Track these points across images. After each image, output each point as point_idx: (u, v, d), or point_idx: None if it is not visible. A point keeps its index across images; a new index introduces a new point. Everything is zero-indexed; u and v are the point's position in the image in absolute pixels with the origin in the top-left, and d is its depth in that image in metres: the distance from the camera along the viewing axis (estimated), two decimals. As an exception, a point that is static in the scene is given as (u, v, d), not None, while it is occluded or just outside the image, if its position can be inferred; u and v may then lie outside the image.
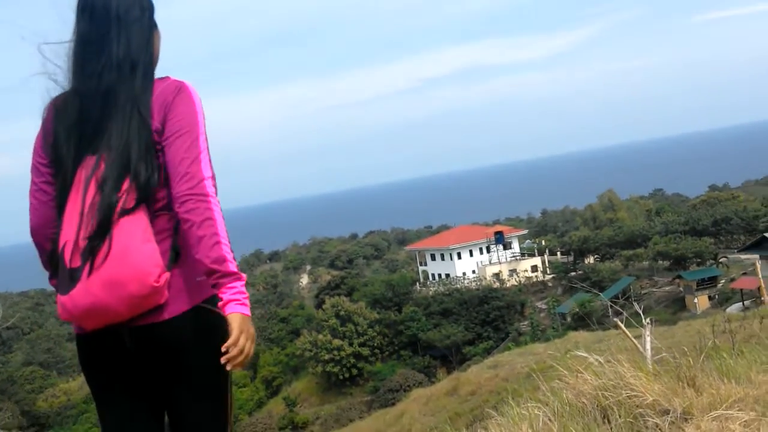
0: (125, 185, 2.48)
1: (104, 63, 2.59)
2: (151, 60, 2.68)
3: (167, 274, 2.50)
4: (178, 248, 2.57)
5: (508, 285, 69.48)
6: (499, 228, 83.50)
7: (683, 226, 70.07)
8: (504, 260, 76.30)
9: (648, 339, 6.81)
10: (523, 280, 71.57)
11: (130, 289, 2.42)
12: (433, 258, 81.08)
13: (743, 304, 48.57)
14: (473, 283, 70.16)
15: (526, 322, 61.20)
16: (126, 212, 2.46)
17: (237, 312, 2.49)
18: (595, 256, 73.63)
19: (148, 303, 2.47)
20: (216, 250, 2.48)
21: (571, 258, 74.38)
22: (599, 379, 4.67)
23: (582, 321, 50.15)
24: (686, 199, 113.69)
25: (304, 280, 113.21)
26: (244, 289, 2.54)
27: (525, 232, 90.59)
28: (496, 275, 72.27)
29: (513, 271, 73.68)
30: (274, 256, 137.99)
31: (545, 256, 76.75)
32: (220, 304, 2.51)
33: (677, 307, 56.75)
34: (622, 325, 7.43)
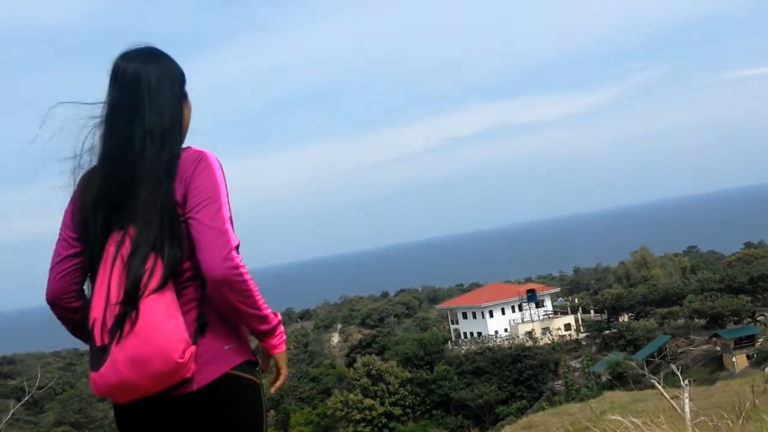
0: (150, 262, 2.47)
1: (134, 132, 2.57)
2: (180, 132, 2.67)
3: (192, 348, 2.48)
4: (204, 318, 2.56)
5: (541, 343, 68.77)
6: (531, 286, 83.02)
7: (719, 283, 69.15)
8: (536, 318, 75.64)
9: (686, 400, 6.74)
10: (556, 338, 70.82)
11: (154, 366, 2.42)
12: (464, 316, 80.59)
13: (782, 363, 47.62)
14: (506, 342, 69.57)
15: (560, 382, 60.37)
16: (152, 290, 2.45)
17: (281, 352, 2.72)
18: (629, 314, 72.78)
19: (174, 379, 2.46)
20: (260, 320, 2.59)
21: (604, 316, 73.56)
22: None
23: (617, 380, 49.43)
24: (721, 256, 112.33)
25: (335, 338, 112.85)
26: (282, 328, 2.72)
27: (557, 290, 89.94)
28: (529, 333, 71.60)
29: (546, 330, 72.95)
30: (305, 315, 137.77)
31: (578, 314, 76.00)
32: (266, 347, 2.69)
33: (714, 366, 55.72)
34: (659, 386, 7.38)
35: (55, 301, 2.67)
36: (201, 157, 2.60)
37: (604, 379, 56.74)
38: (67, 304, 2.66)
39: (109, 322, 2.44)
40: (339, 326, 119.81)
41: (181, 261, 2.53)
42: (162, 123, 2.59)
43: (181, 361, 2.42)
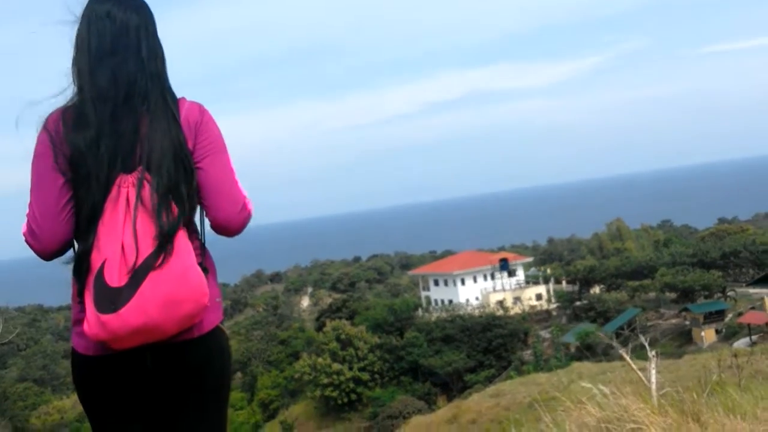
0: (174, 207, 2.49)
1: (135, 71, 2.55)
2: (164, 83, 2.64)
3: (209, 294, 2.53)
4: (206, 268, 2.56)
5: (511, 313, 69.16)
6: (504, 255, 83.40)
7: (691, 258, 69.84)
8: (508, 288, 76.06)
9: (654, 372, 6.51)
10: (527, 308, 71.27)
11: (186, 308, 2.43)
12: (436, 283, 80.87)
13: (750, 339, 48.21)
14: (476, 310, 69.91)
15: (529, 351, 60.81)
16: (175, 232, 2.46)
17: None
18: (601, 286, 73.41)
19: (194, 322, 2.49)
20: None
21: (576, 287, 74.11)
22: (603, 411, 4.57)
23: (586, 351, 49.78)
24: (695, 230, 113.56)
25: (305, 302, 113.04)
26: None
27: (530, 259, 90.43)
28: (500, 303, 71.98)
29: (517, 299, 73.39)
30: (275, 277, 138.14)
31: (550, 284, 76.52)
32: None
33: (683, 340, 56.35)
34: (627, 357, 7.11)
35: (59, 248, 2.57)
36: (204, 109, 2.63)
37: (573, 349, 57.18)
38: (65, 251, 2.59)
39: (131, 263, 2.38)
40: (309, 290, 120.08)
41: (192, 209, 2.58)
42: (157, 66, 2.60)
43: (208, 304, 2.48)
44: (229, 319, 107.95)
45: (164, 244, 2.43)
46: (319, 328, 70.13)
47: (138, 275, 2.39)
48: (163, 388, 2.57)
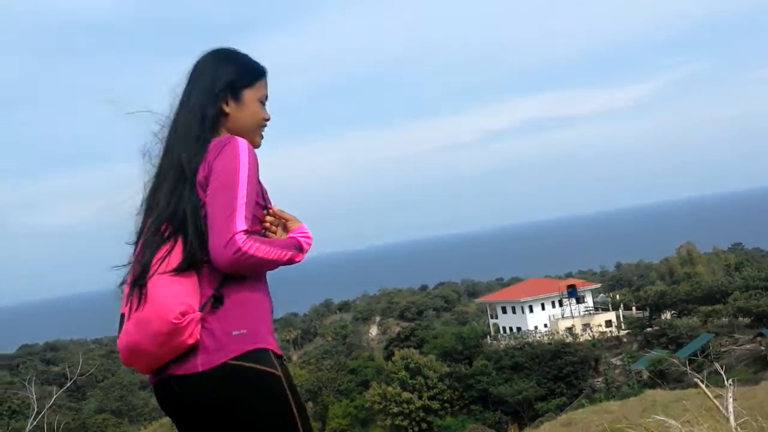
0: (166, 247, 2.65)
1: (173, 123, 2.82)
2: (205, 129, 2.76)
3: (196, 315, 2.56)
4: (222, 297, 2.62)
5: (581, 340, 68.17)
6: (571, 281, 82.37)
7: (764, 281, 68.07)
8: (577, 314, 75.03)
9: (731, 400, 6.54)
10: (596, 335, 70.16)
11: (153, 326, 2.54)
12: (504, 311, 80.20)
13: (829, 363, 46.76)
14: (545, 337, 69.07)
15: (600, 379, 59.79)
16: (163, 272, 2.61)
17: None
18: (672, 311, 71.91)
19: (174, 342, 2.54)
20: (287, 263, 2.69)
21: (646, 313, 72.75)
22: None
23: (659, 379, 48.84)
24: (767, 254, 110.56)
25: (374, 331, 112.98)
26: (308, 239, 2.78)
27: (598, 285, 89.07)
28: (569, 329, 71.02)
29: (586, 326, 72.34)
30: (343, 307, 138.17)
31: (620, 310, 75.24)
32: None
33: (759, 366, 54.82)
34: (702, 384, 7.17)
35: None
36: (228, 142, 2.70)
37: (645, 376, 56.07)
38: None
39: (126, 291, 2.69)
40: (377, 318, 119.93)
41: (201, 245, 2.64)
42: (190, 117, 2.77)
43: (176, 321, 2.51)
44: (299, 349, 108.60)
45: (139, 279, 2.63)
46: (388, 357, 70.00)
47: (128, 301, 2.67)
48: (196, 418, 2.66)
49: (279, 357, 2.67)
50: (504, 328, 78.23)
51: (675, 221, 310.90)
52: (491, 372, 61.86)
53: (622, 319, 73.09)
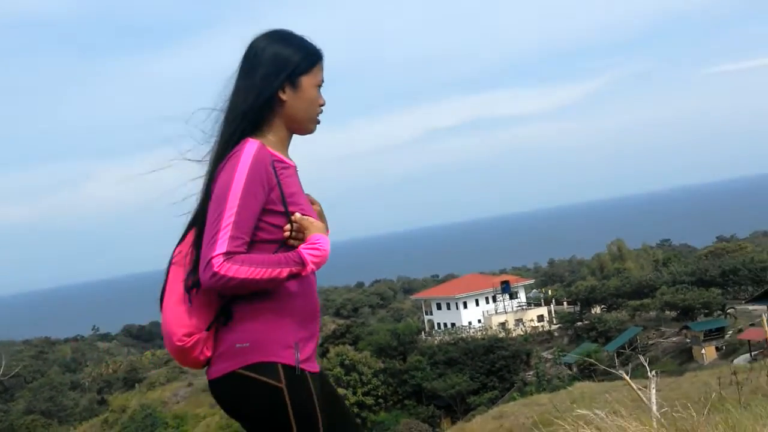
0: (185, 250, 2.75)
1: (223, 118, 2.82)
2: (246, 119, 2.73)
3: (201, 335, 2.66)
4: (230, 311, 2.66)
5: (514, 335, 69.08)
6: (505, 277, 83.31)
7: (691, 276, 69.82)
8: (510, 310, 75.95)
9: (653, 392, 6.68)
10: (529, 329, 71.17)
11: (167, 344, 2.73)
12: (439, 307, 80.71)
13: (751, 355, 48.16)
14: (479, 333, 69.78)
15: (531, 373, 60.68)
16: (167, 271, 2.76)
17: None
18: (602, 306, 73.30)
19: (189, 359, 2.70)
20: (284, 280, 2.63)
21: (577, 308, 74.03)
22: None
23: (588, 371, 49.69)
24: (694, 249, 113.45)
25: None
26: (317, 252, 2.68)
27: (532, 281, 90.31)
28: (502, 325, 71.88)
29: (519, 321, 73.31)
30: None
31: (552, 305, 76.41)
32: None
33: (684, 358, 56.26)
34: (626, 377, 7.31)
35: None
36: (235, 152, 2.67)
37: (575, 370, 57.08)
38: None
39: None
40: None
41: None
42: (235, 110, 2.74)
43: (179, 344, 2.65)
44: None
45: (164, 285, 2.77)
46: (323, 354, 69.88)
47: None
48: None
49: (292, 369, 2.65)
50: (439, 324, 78.75)
51: (607, 218, 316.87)
52: (425, 367, 62.26)
53: (553, 314, 74.26)
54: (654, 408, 6.16)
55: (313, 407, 2.66)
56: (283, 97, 2.76)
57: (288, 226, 2.70)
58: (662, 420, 5.38)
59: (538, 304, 77.82)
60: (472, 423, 37.11)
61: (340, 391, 60.51)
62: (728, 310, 62.22)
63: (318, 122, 2.87)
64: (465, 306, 77.62)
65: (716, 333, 56.55)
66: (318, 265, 2.68)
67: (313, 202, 2.94)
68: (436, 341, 69.11)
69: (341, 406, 2.96)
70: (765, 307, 53.20)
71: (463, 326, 73.46)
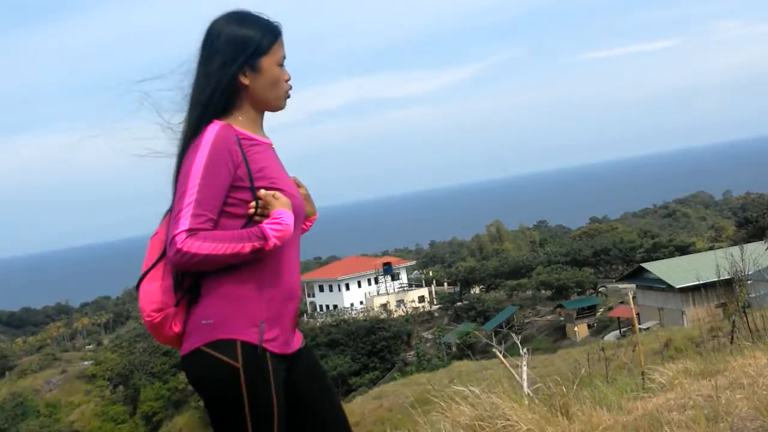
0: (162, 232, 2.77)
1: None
2: (209, 106, 2.71)
3: (170, 311, 2.69)
4: (197, 288, 2.68)
5: (395, 315, 69.82)
6: (387, 259, 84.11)
7: (565, 256, 72.11)
8: (392, 291, 76.70)
9: (524, 369, 6.86)
10: (410, 310, 72.05)
11: (143, 322, 2.80)
12: (321, 289, 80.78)
13: (620, 332, 50.17)
14: (361, 314, 70.20)
15: (412, 353, 61.54)
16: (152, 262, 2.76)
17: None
18: (481, 286, 74.90)
19: (161, 334, 2.74)
20: (249, 254, 2.60)
21: (457, 288, 75.39)
22: (476, 410, 4.64)
23: (467, 351, 50.75)
24: (568, 230, 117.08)
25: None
26: (278, 228, 2.62)
27: (413, 263, 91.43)
28: (384, 306, 72.54)
29: (400, 302, 74.12)
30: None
31: (432, 286, 77.57)
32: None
33: (558, 335, 58.15)
34: (501, 355, 7.47)
35: None
36: (201, 134, 2.68)
37: (454, 349, 58.18)
38: None
39: None
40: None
41: None
42: (196, 98, 2.74)
43: (148, 320, 2.71)
44: (110, 333, 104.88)
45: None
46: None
47: None
48: None
49: (253, 348, 2.62)
50: (321, 306, 78.84)
51: (486, 200, 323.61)
52: (307, 349, 62.22)
53: (434, 295, 75.44)
54: (525, 385, 6.31)
55: (268, 391, 2.64)
56: (245, 81, 2.74)
57: (253, 203, 2.69)
58: (533, 396, 5.49)
59: (420, 285, 78.90)
60: (352, 404, 37.32)
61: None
62: (600, 289, 64.69)
63: (287, 97, 2.85)
64: (347, 288, 77.95)
65: (588, 311, 58.68)
66: (281, 239, 2.63)
67: (298, 185, 2.92)
68: (318, 323, 69.16)
69: (323, 383, 2.91)
70: (634, 285, 55.53)
71: (345, 308, 73.77)
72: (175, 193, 2.68)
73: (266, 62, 2.76)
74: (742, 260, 9.10)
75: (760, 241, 35.81)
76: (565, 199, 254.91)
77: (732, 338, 7.59)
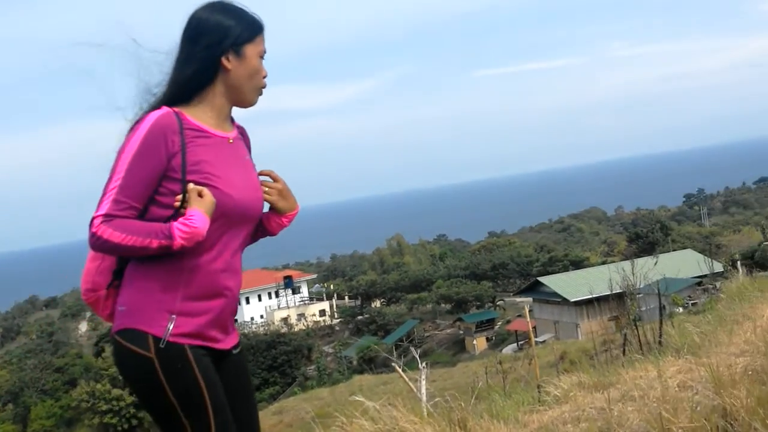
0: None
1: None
2: (187, 85, 2.71)
3: (100, 293, 2.74)
4: (122, 272, 2.70)
5: (296, 329, 69.43)
6: (288, 272, 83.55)
7: (464, 270, 73.10)
8: (293, 305, 76.26)
9: (423, 383, 6.93)
10: (311, 324, 71.77)
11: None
12: (220, 303, 79.66)
13: (518, 345, 51.13)
14: (261, 328, 69.55)
15: (313, 367, 61.28)
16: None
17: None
18: (382, 299, 75.20)
19: (96, 311, 2.80)
20: (157, 250, 2.57)
21: (358, 302, 75.48)
22: (375, 424, 4.64)
23: (368, 365, 50.85)
24: (468, 244, 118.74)
25: (84, 327, 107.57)
26: (186, 229, 2.58)
27: (314, 276, 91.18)
28: (285, 320, 72.06)
29: (301, 316, 73.79)
30: (51, 303, 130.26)
31: (333, 300, 77.47)
32: None
33: (457, 348, 58.82)
34: (400, 370, 7.52)
35: None
36: (140, 120, 2.67)
37: (355, 363, 58.19)
38: None
39: None
40: (88, 314, 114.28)
41: None
42: (178, 75, 2.71)
43: (84, 298, 2.78)
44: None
45: None
46: (99, 353, 67.13)
47: None
48: None
49: (160, 339, 2.58)
50: (220, 320, 77.75)
51: (386, 214, 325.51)
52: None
53: (335, 309, 75.34)
54: (424, 399, 6.35)
55: (192, 376, 2.59)
56: (228, 65, 2.73)
57: (179, 196, 2.64)
58: (432, 410, 5.53)
59: (321, 299, 78.69)
60: (252, 419, 36.93)
61: (116, 391, 58.54)
62: (498, 303, 65.79)
63: (261, 93, 2.84)
64: (248, 302, 77.14)
65: (487, 324, 59.58)
66: (188, 241, 2.58)
67: (275, 179, 2.90)
68: (217, 338, 68.12)
69: (246, 390, 2.89)
70: (530, 299, 56.68)
71: (245, 322, 72.97)
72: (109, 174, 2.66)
73: (250, 50, 2.76)
74: (633, 274, 9.40)
75: (650, 256, 37.12)
76: (464, 214, 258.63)
77: (624, 351, 7.82)
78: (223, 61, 2.72)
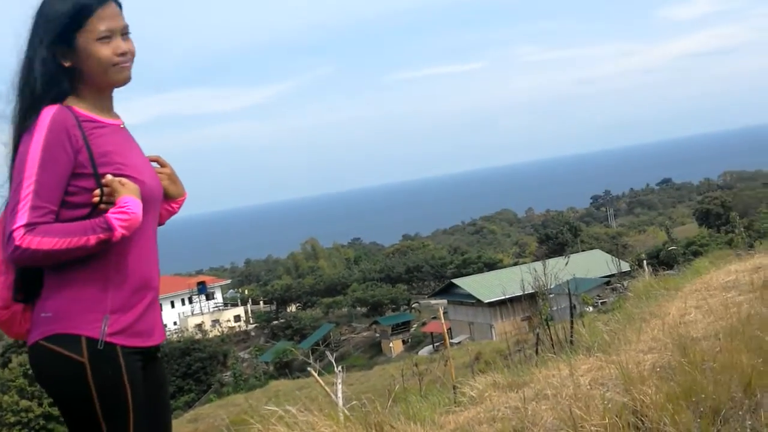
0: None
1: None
2: (33, 90, 2.52)
3: (17, 308, 2.58)
4: (35, 281, 2.55)
5: (210, 336, 68.57)
6: (201, 278, 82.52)
7: (379, 273, 73.42)
8: (207, 311, 75.29)
9: (339, 387, 6.93)
10: (226, 330, 71.00)
11: None
12: (132, 310, 78.23)
13: (434, 346, 51.58)
14: (175, 335, 68.47)
15: (228, 373, 60.61)
16: None
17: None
18: (297, 304, 74.96)
19: (11, 331, 2.63)
20: (95, 247, 2.46)
21: (273, 307, 75.04)
22: (292, 430, 4.62)
23: (284, 370, 50.57)
24: (382, 247, 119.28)
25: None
26: (124, 216, 2.48)
27: (228, 281, 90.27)
28: (199, 326, 71.09)
29: (216, 322, 72.93)
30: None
31: (248, 305, 76.82)
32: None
33: (374, 351, 59.03)
34: (315, 374, 7.49)
35: None
36: (33, 121, 2.50)
37: (271, 368, 57.82)
38: None
39: None
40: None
41: None
42: (23, 83, 2.55)
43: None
44: None
45: None
46: (5, 364, 65.08)
47: None
48: None
49: (96, 342, 2.50)
50: (132, 327, 76.33)
51: (300, 218, 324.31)
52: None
53: (250, 314, 74.73)
54: (340, 402, 6.35)
55: (119, 381, 2.51)
56: (66, 64, 2.54)
57: (97, 191, 2.52)
58: (349, 414, 5.52)
59: (235, 305, 77.95)
60: (166, 428, 36.33)
61: (24, 403, 56.81)
62: (413, 305, 66.26)
63: (122, 70, 2.59)
64: (160, 308, 75.94)
65: (403, 327, 59.93)
66: (128, 229, 2.48)
67: (163, 165, 2.81)
68: (129, 346, 66.86)
69: (163, 394, 2.82)
70: (445, 301, 57.27)
71: (157, 329, 71.81)
72: (11, 184, 2.51)
73: (82, 39, 2.53)
74: (545, 275, 9.58)
75: (560, 257, 37.93)
76: (378, 217, 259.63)
77: (537, 350, 7.96)
78: (61, 62, 2.54)
